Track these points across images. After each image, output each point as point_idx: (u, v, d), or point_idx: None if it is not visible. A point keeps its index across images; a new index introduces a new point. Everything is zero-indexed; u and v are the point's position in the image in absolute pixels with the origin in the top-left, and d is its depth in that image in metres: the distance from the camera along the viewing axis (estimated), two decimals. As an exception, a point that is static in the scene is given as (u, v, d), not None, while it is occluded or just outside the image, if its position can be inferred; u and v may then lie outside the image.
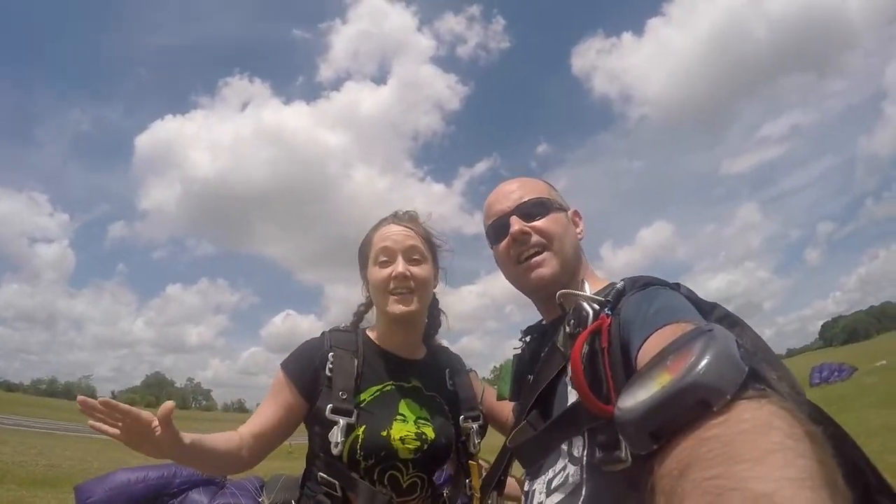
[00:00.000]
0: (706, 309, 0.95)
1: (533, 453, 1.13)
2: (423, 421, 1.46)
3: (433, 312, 1.69)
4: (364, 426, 1.38)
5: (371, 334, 1.59)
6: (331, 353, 1.46)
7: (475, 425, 1.55)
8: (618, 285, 1.04)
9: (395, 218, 1.60)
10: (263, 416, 1.44)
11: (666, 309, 0.87)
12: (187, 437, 1.21)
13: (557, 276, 1.24)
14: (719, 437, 0.49)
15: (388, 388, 1.48)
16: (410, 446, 1.41)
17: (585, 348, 0.93)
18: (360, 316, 1.67)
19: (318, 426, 1.41)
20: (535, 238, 1.25)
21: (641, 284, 1.02)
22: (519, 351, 1.38)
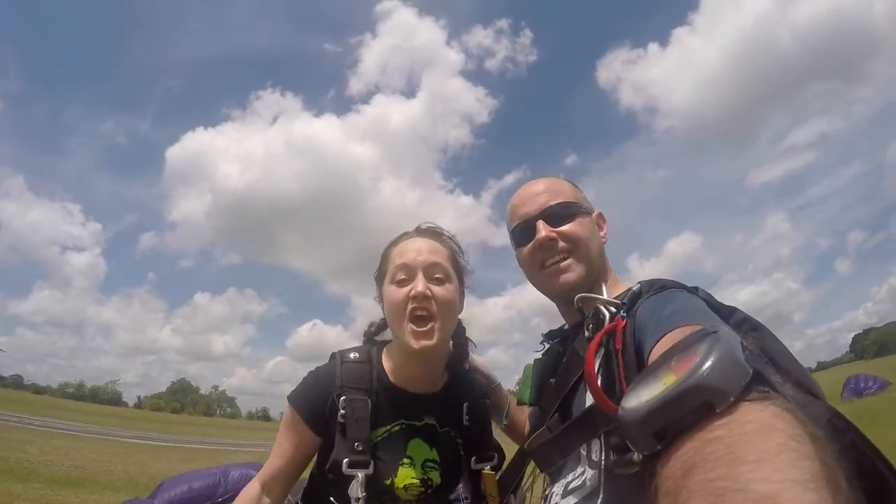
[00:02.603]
0: (724, 313, 0.94)
1: (550, 455, 1.13)
2: (430, 464, 1.39)
3: (459, 340, 1.53)
4: (372, 472, 1.32)
5: (386, 364, 1.45)
6: (342, 398, 1.34)
7: (487, 466, 1.46)
8: (634, 288, 1.06)
9: (418, 231, 1.46)
10: (281, 457, 1.39)
11: (680, 311, 0.87)
12: None
13: (583, 280, 1.23)
14: (723, 438, 0.49)
15: (397, 428, 1.39)
16: (414, 492, 1.35)
17: (600, 350, 0.94)
18: (370, 337, 1.56)
19: (333, 474, 1.32)
20: (561, 244, 1.24)
21: (658, 287, 1.02)
22: (540, 356, 1.38)
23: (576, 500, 0.99)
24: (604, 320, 1.02)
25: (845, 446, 0.52)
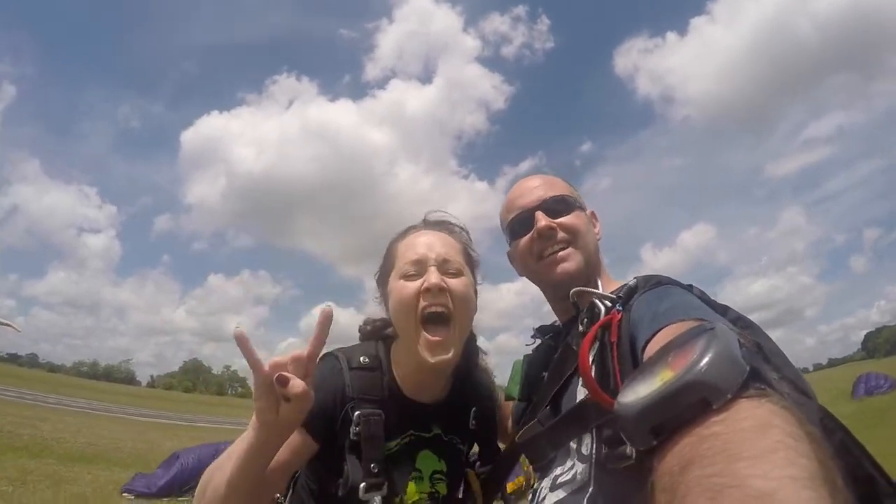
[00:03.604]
0: (718, 311, 0.94)
1: (541, 449, 1.14)
2: (438, 476, 1.33)
3: (470, 347, 1.40)
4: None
5: (396, 371, 1.33)
6: (357, 412, 1.22)
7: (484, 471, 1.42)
8: (630, 283, 1.07)
9: (426, 224, 1.37)
10: (281, 452, 1.19)
11: (676, 307, 0.88)
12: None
13: (581, 271, 1.24)
14: (720, 434, 0.49)
15: (407, 440, 1.30)
16: None
17: (595, 343, 0.95)
18: (367, 336, 1.42)
19: (348, 497, 1.20)
20: (560, 234, 1.25)
21: (654, 283, 1.03)
22: (531, 352, 1.37)
23: (564, 494, 1.00)
24: (599, 314, 1.02)
25: (835, 446, 0.52)
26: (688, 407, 0.54)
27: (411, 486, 1.28)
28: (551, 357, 1.23)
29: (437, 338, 1.20)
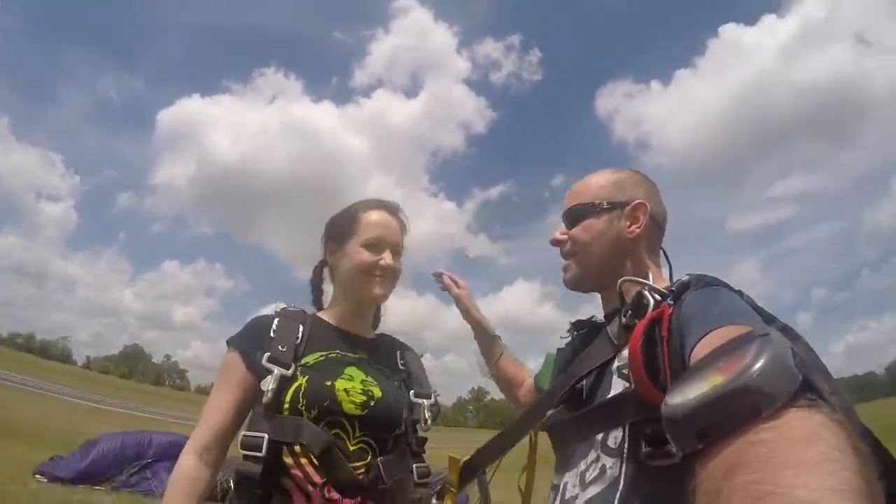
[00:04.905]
0: (766, 318, 0.93)
1: (569, 435, 1.12)
2: (370, 381, 1.39)
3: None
4: (308, 376, 1.31)
5: (323, 314, 1.55)
6: (276, 319, 1.41)
7: (426, 402, 1.48)
8: (683, 279, 1.03)
9: (387, 208, 1.56)
10: (218, 408, 1.34)
11: (729, 311, 0.87)
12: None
13: (579, 281, 1.28)
14: (767, 442, 0.49)
15: (334, 354, 1.41)
16: (356, 400, 1.33)
17: (643, 336, 0.92)
18: (317, 287, 1.65)
19: (256, 382, 1.31)
20: (567, 246, 1.29)
21: (707, 282, 1.01)
22: (564, 345, 1.40)
23: (598, 490, 0.97)
24: (647, 306, 0.99)
25: (879, 463, 0.52)
26: (737, 412, 0.53)
27: (341, 381, 1.34)
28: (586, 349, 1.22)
29: (381, 281, 1.48)
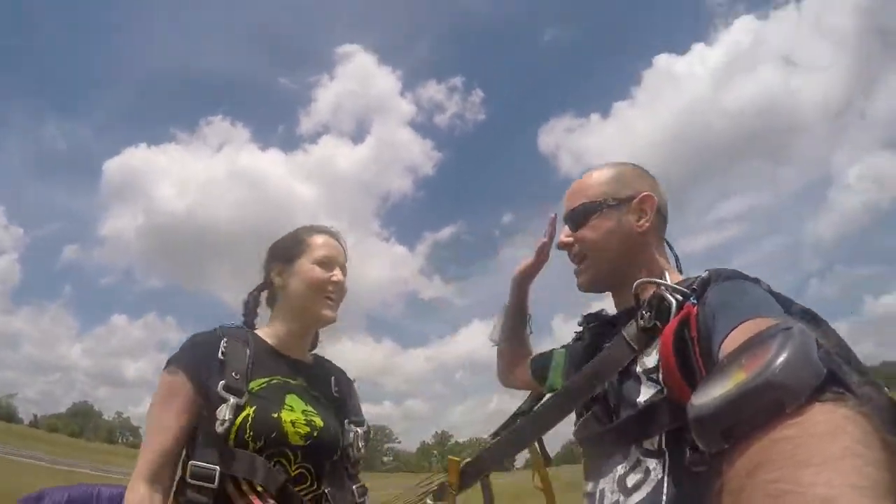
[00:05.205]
0: (784, 304, 0.90)
1: (603, 447, 1.09)
2: (310, 411, 1.41)
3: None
4: (255, 406, 1.31)
5: (260, 333, 1.54)
6: (224, 340, 1.39)
7: (360, 430, 1.52)
8: (703, 275, 1.00)
9: (331, 232, 1.63)
10: (162, 433, 1.31)
11: (752, 304, 0.86)
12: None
13: (594, 283, 1.26)
14: (790, 438, 0.49)
15: (276, 381, 1.42)
16: (301, 431, 1.35)
17: (673, 338, 0.90)
18: (252, 310, 1.65)
19: (205, 407, 1.31)
20: (575, 248, 1.25)
21: (727, 275, 0.98)
22: (572, 341, 1.39)
23: (642, 496, 0.95)
24: (669, 307, 0.97)
25: None
26: (761, 409, 0.52)
27: (285, 412, 1.36)
28: (598, 349, 1.19)
29: (332, 304, 1.54)
